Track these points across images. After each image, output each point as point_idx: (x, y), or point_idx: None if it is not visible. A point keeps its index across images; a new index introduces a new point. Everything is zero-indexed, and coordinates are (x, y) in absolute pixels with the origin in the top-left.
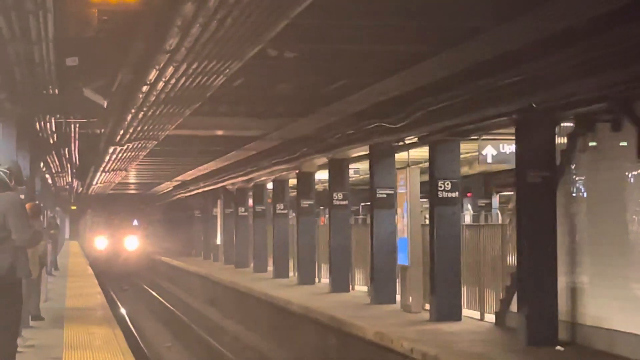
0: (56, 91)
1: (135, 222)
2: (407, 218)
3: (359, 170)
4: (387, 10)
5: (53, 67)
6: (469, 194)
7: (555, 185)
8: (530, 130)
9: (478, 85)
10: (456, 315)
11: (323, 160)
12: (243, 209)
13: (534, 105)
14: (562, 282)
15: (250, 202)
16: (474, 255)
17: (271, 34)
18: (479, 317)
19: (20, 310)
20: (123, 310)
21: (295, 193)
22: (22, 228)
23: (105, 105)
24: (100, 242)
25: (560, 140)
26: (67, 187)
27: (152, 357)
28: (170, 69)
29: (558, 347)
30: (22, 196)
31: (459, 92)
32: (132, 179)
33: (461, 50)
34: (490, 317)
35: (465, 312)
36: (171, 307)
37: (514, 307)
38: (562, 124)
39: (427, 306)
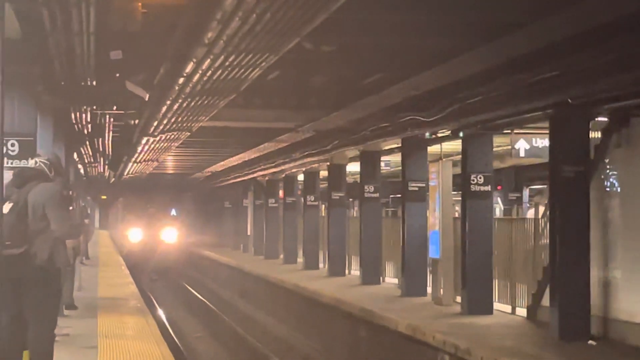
0: (94, 83)
1: (173, 212)
2: (439, 211)
3: (389, 162)
4: (424, 5)
5: (92, 59)
6: (499, 187)
7: (589, 179)
8: (564, 125)
9: (513, 80)
10: (487, 309)
11: (354, 152)
12: (273, 201)
13: (569, 100)
14: (594, 276)
15: (281, 193)
16: (506, 248)
17: (310, 28)
18: (510, 311)
19: (59, 301)
20: (154, 301)
21: (325, 185)
22: (61, 220)
23: (146, 98)
24: (135, 234)
25: (594, 134)
26: (99, 177)
27: (183, 346)
28: (207, 62)
29: (590, 342)
30: None
31: (494, 87)
32: (163, 169)
33: (497, 45)
34: (522, 311)
35: (497, 305)
36: (201, 298)
37: (545, 301)
38: (596, 119)
39: (458, 299)
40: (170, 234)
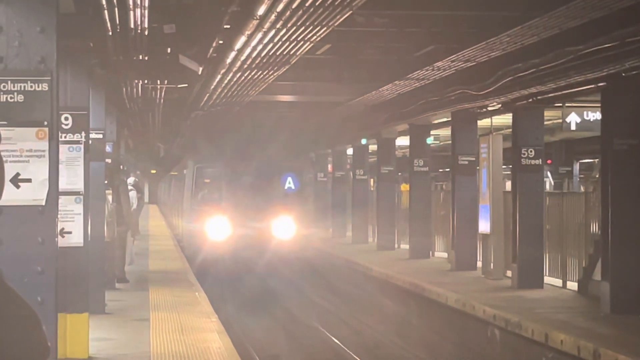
0: (146, 57)
1: (290, 183)
2: (489, 185)
3: (439, 136)
4: None
5: (146, 33)
6: (549, 161)
7: None
8: (616, 98)
9: (565, 52)
10: (538, 283)
11: (404, 126)
12: (322, 175)
13: (623, 74)
14: None
15: (330, 167)
16: (557, 222)
17: (361, 1)
18: (560, 285)
19: None
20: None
21: (375, 159)
22: None
23: (199, 72)
24: (218, 227)
25: None
26: (149, 150)
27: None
28: (258, 36)
29: None
30: (109, 160)
31: (546, 59)
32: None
33: (551, 16)
34: (573, 285)
35: (547, 279)
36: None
37: (597, 275)
38: None
39: (508, 273)
40: (288, 227)
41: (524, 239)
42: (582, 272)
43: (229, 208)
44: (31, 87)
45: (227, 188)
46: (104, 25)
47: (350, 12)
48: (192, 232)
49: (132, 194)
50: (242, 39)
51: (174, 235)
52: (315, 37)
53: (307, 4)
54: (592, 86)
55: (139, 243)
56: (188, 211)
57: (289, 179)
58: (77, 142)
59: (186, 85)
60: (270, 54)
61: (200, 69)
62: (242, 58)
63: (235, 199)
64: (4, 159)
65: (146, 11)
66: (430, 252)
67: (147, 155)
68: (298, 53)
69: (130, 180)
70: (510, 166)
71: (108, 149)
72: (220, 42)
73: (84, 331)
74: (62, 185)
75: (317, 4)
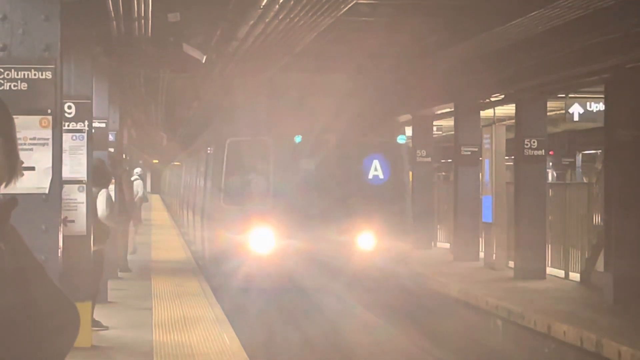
0: (150, 45)
1: (377, 170)
2: (492, 176)
3: (441, 127)
4: None
5: (150, 22)
6: (551, 152)
7: None
8: (620, 89)
9: (569, 43)
10: (540, 274)
11: (407, 117)
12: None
13: (627, 65)
14: None
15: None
16: (559, 213)
17: None
18: (563, 276)
19: None
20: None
21: None
22: None
23: (203, 60)
24: (263, 241)
25: None
26: (152, 140)
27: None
28: (262, 25)
29: None
30: (112, 149)
31: (550, 50)
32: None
33: (555, 7)
34: (575, 276)
35: (550, 270)
36: None
37: (599, 266)
38: None
39: (511, 264)
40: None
41: (526, 229)
42: (585, 263)
43: (281, 211)
44: (35, 75)
45: (278, 177)
46: (108, 14)
47: (354, 1)
48: (222, 249)
49: (139, 184)
50: (246, 29)
51: (192, 253)
52: (318, 26)
53: None
54: (596, 77)
55: (141, 232)
56: (216, 215)
57: (376, 162)
58: (80, 131)
59: (189, 74)
60: (274, 42)
61: (204, 57)
62: (246, 47)
63: (292, 196)
64: None
65: None
66: (433, 243)
67: (150, 144)
68: (301, 42)
69: (138, 170)
70: (513, 157)
71: (111, 137)
72: (224, 30)
73: (86, 320)
74: (66, 173)
75: None
